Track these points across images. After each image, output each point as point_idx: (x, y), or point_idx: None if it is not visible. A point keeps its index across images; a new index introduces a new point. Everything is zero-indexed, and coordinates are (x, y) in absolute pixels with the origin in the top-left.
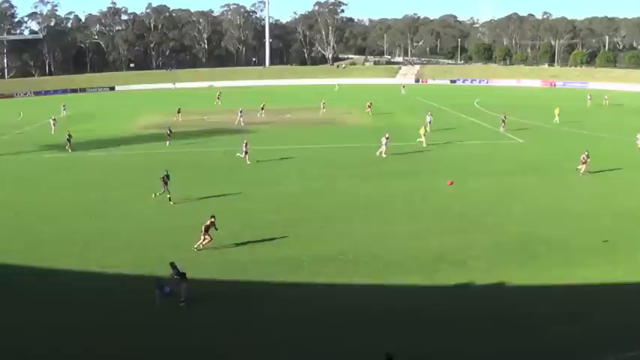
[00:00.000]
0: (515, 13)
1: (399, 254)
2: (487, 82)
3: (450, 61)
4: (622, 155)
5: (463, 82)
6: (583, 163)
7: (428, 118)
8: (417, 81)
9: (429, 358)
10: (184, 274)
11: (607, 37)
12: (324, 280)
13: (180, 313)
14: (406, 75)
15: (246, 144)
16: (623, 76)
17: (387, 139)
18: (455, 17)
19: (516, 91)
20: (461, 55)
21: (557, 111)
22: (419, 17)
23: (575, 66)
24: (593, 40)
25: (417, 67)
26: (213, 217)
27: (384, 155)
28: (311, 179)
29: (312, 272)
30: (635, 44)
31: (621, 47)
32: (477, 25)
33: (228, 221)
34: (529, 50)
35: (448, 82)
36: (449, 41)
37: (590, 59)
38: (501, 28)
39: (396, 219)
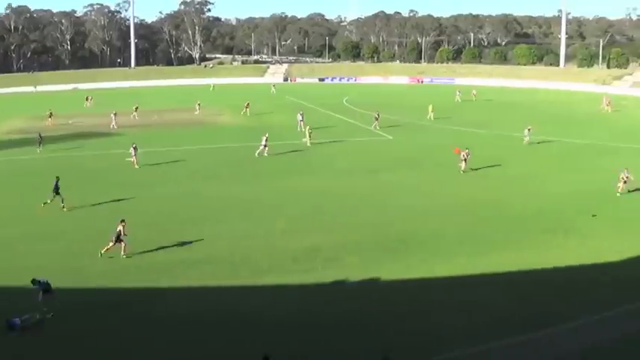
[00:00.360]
0: (382, 11)
1: (272, 254)
2: (355, 80)
3: (318, 60)
4: (502, 150)
5: (332, 80)
6: (463, 160)
7: (299, 117)
8: (285, 80)
9: (305, 357)
10: (49, 284)
11: (472, 34)
12: (196, 283)
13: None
14: (275, 74)
15: (135, 147)
16: (489, 72)
17: (266, 139)
18: (322, 16)
19: (385, 88)
20: (329, 53)
21: (430, 107)
22: (286, 16)
23: (442, 62)
24: (459, 37)
25: (286, 65)
26: (123, 221)
27: (265, 154)
28: (189, 181)
29: (184, 275)
30: (499, 40)
31: (486, 44)
32: (345, 24)
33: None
34: (396, 48)
35: (317, 80)
36: (317, 40)
37: (456, 56)
38: (369, 26)
39: (270, 218)
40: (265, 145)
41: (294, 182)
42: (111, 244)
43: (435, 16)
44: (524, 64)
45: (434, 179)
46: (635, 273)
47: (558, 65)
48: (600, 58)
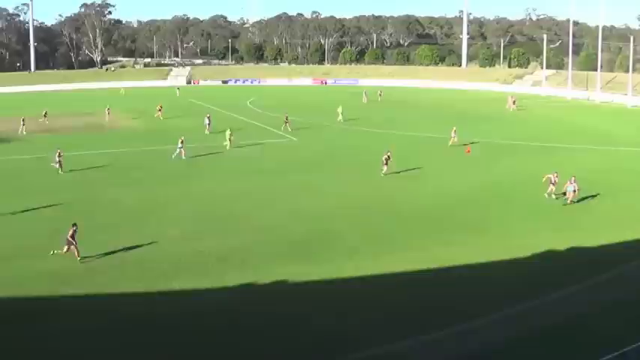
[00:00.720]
0: (285, 13)
1: (174, 258)
2: (259, 82)
3: (221, 62)
4: (410, 150)
5: (235, 82)
6: (384, 164)
7: (206, 120)
8: (188, 82)
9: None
10: None
11: (375, 35)
12: (98, 290)
13: None
14: (178, 77)
15: (59, 153)
16: (392, 73)
17: (182, 141)
18: (225, 18)
19: (289, 89)
20: (232, 55)
21: (339, 109)
22: (188, 18)
23: (345, 64)
24: (362, 38)
25: (188, 68)
26: (74, 225)
27: (183, 157)
28: (108, 186)
29: (86, 282)
30: (402, 41)
31: (389, 45)
32: (248, 25)
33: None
34: (299, 49)
35: (220, 82)
36: (220, 42)
37: (360, 57)
38: (272, 27)
39: (172, 222)
40: (181, 148)
41: (206, 185)
42: (65, 247)
43: (338, 17)
44: (427, 65)
45: (340, 180)
46: (525, 271)
47: (460, 65)
48: (502, 57)
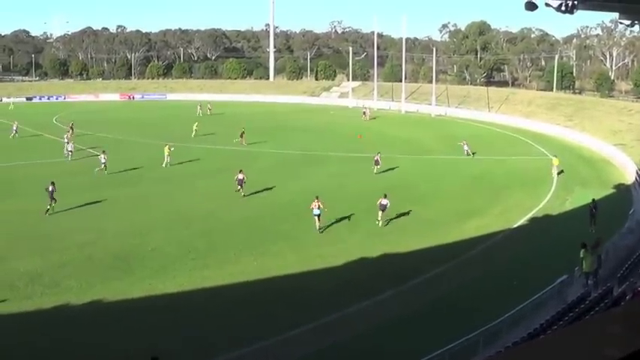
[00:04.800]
0: (90, 27)
1: None
2: (65, 99)
3: (25, 78)
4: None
5: (40, 99)
6: (240, 187)
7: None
8: None
9: None
10: None
11: (182, 49)
12: None
13: None
14: None
15: None
16: (200, 86)
17: None
18: (28, 32)
19: (96, 105)
20: (36, 71)
21: (195, 125)
22: None
23: (153, 78)
24: (169, 52)
25: None
26: None
27: None
28: None
29: None
30: (209, 55)
31: (196, 58)
32: (52, 40)
33: None
34: (105, 64)
35: (24, 99)
36: (23, 57)
37: (167, 71)
38: (76, 42)
39: None
40: None
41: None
42: None
43: (144, 31)
44: (235, 78)
45: (154, 193)
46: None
47: (268, 78)
48: (309, 70)
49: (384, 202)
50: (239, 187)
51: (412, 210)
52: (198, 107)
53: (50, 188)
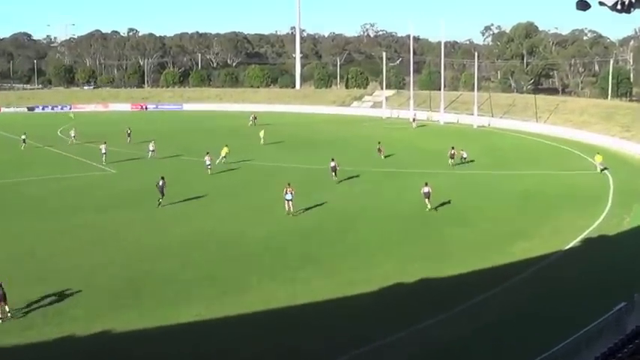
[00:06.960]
0: (98, 30)
1: None
2: (70, 108)
3: (26, 86)
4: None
5: (43, 109)
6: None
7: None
8: None
9: None
10: None
11: (199, 55)
12: None
13: None
14: None
15: None
16: (219, 95)
17: None
18: (29, 36)
19: (105, 116)
20: (39, 78)
21: (261, 133)
22: None
23: (167, 87)
24: (185, 58)
25: None
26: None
27: None
28: None
29: None
30: (229, 61)
31: (215, 65)
32: (56, 45)
33: None
34: (115, 71)
35: (26, 109)
36: (24, 63)
37: (183, 79)
38: (83, 47)
39: None
40: None
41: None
42: None
43: (158, 35)
44: (258, 87)
45: (164, 215)
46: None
47: (294, 87)
48: (338, 77)
49: (426, 189)
50: (332, 173)
51: (452, 231)
52: (251, 117)
53: (160, 183)
